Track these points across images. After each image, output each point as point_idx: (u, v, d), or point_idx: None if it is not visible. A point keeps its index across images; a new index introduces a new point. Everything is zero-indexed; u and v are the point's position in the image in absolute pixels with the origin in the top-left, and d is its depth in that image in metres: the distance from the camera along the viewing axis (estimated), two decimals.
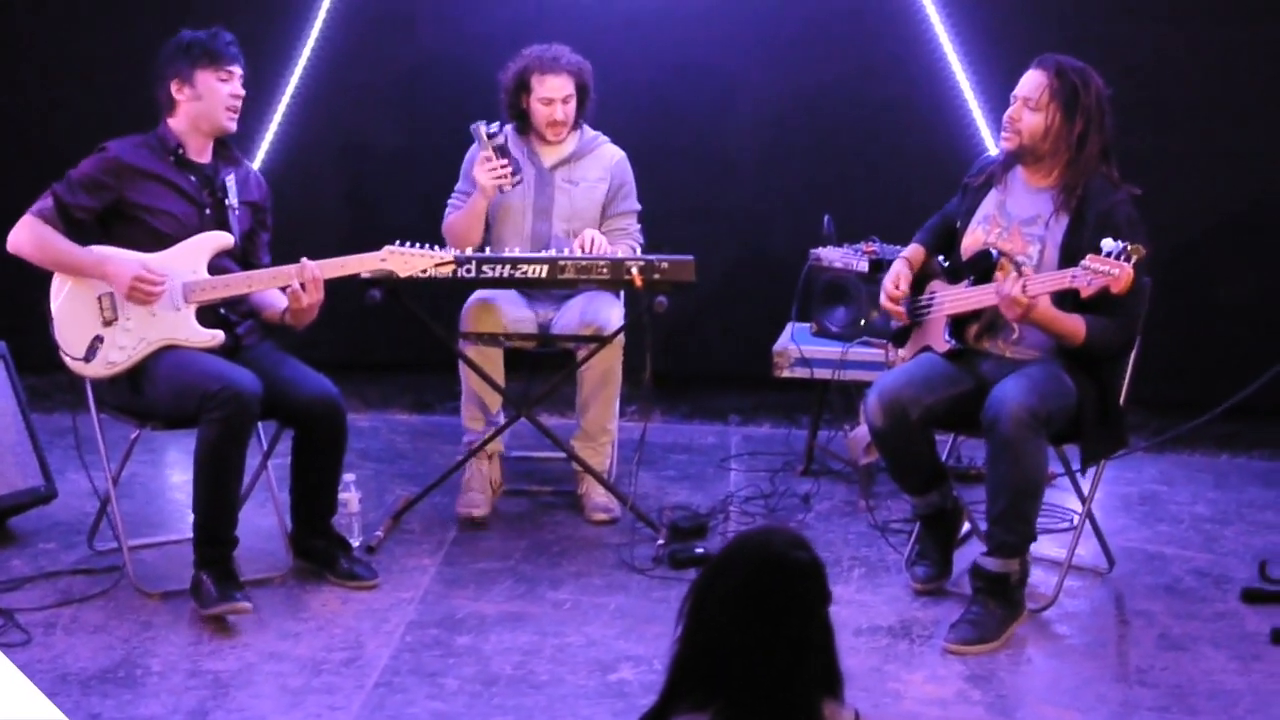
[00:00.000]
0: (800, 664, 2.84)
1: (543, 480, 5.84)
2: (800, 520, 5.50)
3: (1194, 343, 6.51)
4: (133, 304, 4.65)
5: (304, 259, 4.74)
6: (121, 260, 4.65)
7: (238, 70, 4.82)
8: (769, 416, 6.62)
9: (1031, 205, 4.71)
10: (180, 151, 4.78)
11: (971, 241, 4.81)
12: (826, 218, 5.84)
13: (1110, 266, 4.25)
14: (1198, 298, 6.51)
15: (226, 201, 4.83)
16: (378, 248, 4.87)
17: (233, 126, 4.85)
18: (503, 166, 5.31)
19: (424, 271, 4.86)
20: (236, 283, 4.75)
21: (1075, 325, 4.52)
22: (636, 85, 6.55)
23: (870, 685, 4.31)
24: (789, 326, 5.92)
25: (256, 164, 6.57)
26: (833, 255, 5.78)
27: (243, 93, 4.85)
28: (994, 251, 4.71)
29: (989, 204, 4.82)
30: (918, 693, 4.28)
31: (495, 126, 5.34)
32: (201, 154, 4.82)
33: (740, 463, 6.16)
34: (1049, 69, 4.61)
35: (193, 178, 4.80)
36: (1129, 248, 4.25)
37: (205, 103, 4.77)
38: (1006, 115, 4.68)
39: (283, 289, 4.78)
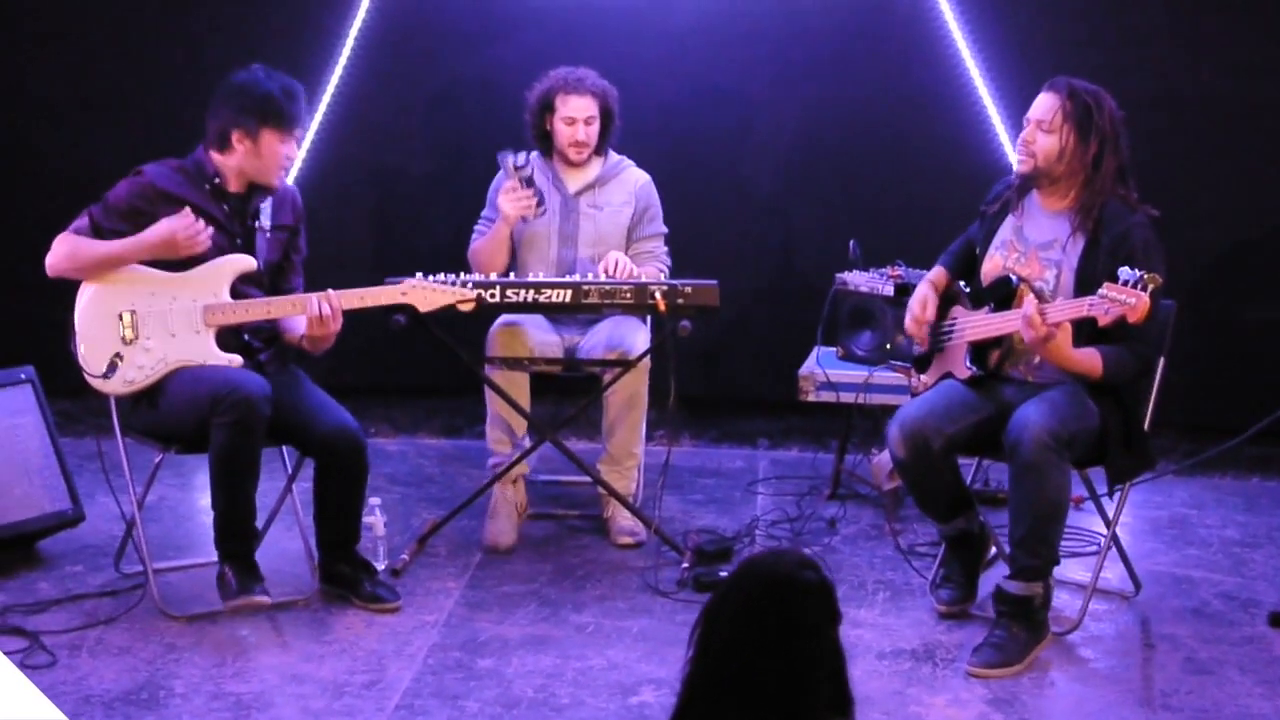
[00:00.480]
0: (808, 685, 2.84)
1: (570, 504, 5.85)
2: (826, 544, 5.49)
3: (1226, 365, 6.48)
4: (154, 324, 4.71)
5: (328, 290, 4.77)
6: (152, 231, 4.70)
7: (302, 130, 4.86)
8: (798, 440, 6.61)
9: (1048, 229, 4.70)
10: (217, 181, 4.82)
11: (990, 267, 4.80)
12: (852, 242, 5.85)
13: (1127, 295, 4.22)
14: (1231, 320, 6.50)
15: (257, 225, 4.87)
16: (408, 271, 4.92)
17: (279, 184, 4.89)
18: (528, 197, 5.34)
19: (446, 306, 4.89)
20: (256, 308, 4.79)
21: (1092, 363, 4.51)
22: (662, 110, 6.59)
23: (892, 709, 4.29)
24: (815, 350, 5.92)
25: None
26: (858, 279, 5.78)
27: (297, 153, 4.90)
28: (1013, 278, 4.70)
29: (1006, 229, 4.81)
30: (939, 716, 4.27)
31: (523, 158, 5.37)
32: (238, 185, 4.86)
33: (768, 486, 6.15)
34: (1061, 91, 4.61)
35: (226, 206, 4.83)
36: (1145, 276, 4.22)
37: (263, 161, 4.80)
38: (1020, 138, 4.69)
39: None
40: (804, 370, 5.82)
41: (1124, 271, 4.27)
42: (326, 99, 6.70)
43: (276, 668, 4.50)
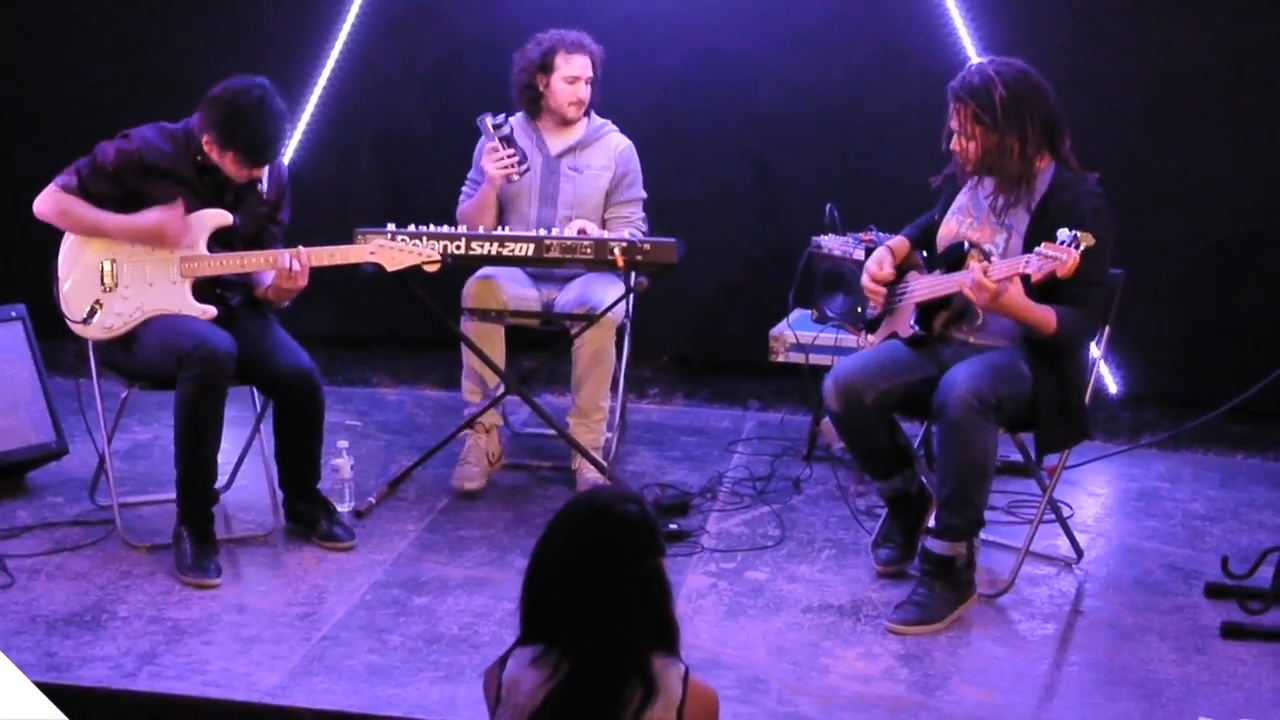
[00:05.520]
0: (627, 612, 2.98)
1: (547, 456, 5.98)
2: (786, 503, 5.58)
3: (1215, 341, 6.45)
4: (133, 273, 4.91)
5: (299, 246, 4.94)
6: (144, 218, 4.89)
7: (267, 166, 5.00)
8: (787, 402, 6.68)
9: (1000, 196, 4.76)
10: (199, 159, 4.94)
11: (946, 231, 4.88)
12: (829, 206, 5.91)
13: (1059, 253, 4.31)
14: (1221, 296, 6.46)
15: (258, 188, 5.05)
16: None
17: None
18: (509, 156, 5.50)
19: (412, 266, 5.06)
20: (231, 261, 4.96)
21: (1046, 315, 4.56)
22: (659, 72, 6.68)
23: (801, 659, 4.41)
24: (793, 312, 6.01)
25: (290, 150, 6.78)
26: (832, 243, 5.86)
27: (261, 174, 5.02)
28: (965, 243, 4.78)
29: (964, 195, 4.89)
30: (846, 668, 4.37)
31: (501, 118, 5.53)
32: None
33: (748, 446, 6.24)
34: (952, 98, 4.70)
35: (208, 178, 4.97)
36: (1079, 235, 4.31)
37: (226, 168, 4.92)
38: (950, 147, 4.77)
39: None
40: (775, 331, 5.94)
41: (1062, 232, 4.38)
42: (334, 57, 6.85)
43: (221, 597, 4.71)
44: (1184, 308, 6.50)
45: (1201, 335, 6.47)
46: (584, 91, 5.69)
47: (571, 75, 5.67)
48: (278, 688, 4.15)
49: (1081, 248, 4.32)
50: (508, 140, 5.51)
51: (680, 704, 2.99)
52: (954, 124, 4.72)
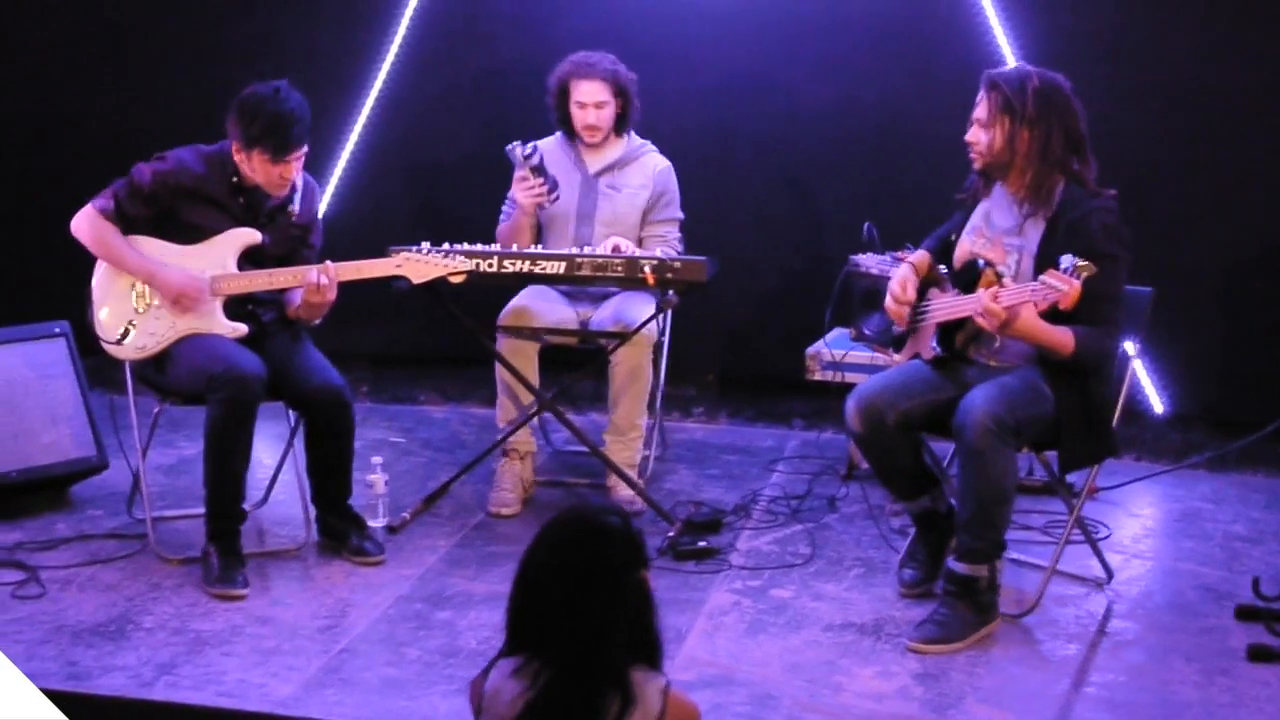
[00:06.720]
0: (607, 623, 3.01)
1: (585, 474, 6.00)
2: (820, 522, 5.57)
3: (1263, 360, 6.36)
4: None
5: (326, 261, 5.02)
6: (169, 277, 4.98)
7: (298, 154, 5.01)
8: (832, 421, 6.65)
9: (1011, 215, 4.75)
10: (235, 180, 5.04)
11: (960, 251, 4.87)
12: (867, 225, 5.89)
13: (1060, 282, 4.28)
14: (1269, 313, 6.37)
15: (290, 209, 5.13)
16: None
17: (281, 194, 5.08)
18: (540, 185, 5.54)
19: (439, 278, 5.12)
20: (260, 278, 5.03)
21: (1063, 337, 4.53)
22: (697, 93, 6.71)
23: (816, 676, 4.39)
24: (832, 331, 6.00)
25: (336, 172, 6.93)
26: (869, 261, 5.83)
27: (296, 173, 5.06)
28: (980, 261, 4.75)
29: (978, 215, 4.88)
30: (861, 686, 4.34)
31: (530, 148, 5.57)
32: (253, 182, 5.04)
33: (788, 465, 6.24)
34: (985, 85, 4.70)
35: (242, 199, 5.06)
36: (1079, 265, 4.28)
37: (257, 175, 5.00)
38: (966, 138, 4.75)
39: None
40: (810, 350, 5.94)
41: (1064, 259, 4.34)
42: (381, 78, 6.96)
43: (246, 610, 4.76)
44: (1231, 326, 6.42)
45: (1249, 353, 6.38)
46: (593, 117, 5.71)
47: (580, 101, 5.71)
48: (290, 698, 4.19)
49: (1083, 277, 4.29)
50: (537, 169, 5.55)
51: (659, 717, 3.00)
52: (979, 112, 4.70)
